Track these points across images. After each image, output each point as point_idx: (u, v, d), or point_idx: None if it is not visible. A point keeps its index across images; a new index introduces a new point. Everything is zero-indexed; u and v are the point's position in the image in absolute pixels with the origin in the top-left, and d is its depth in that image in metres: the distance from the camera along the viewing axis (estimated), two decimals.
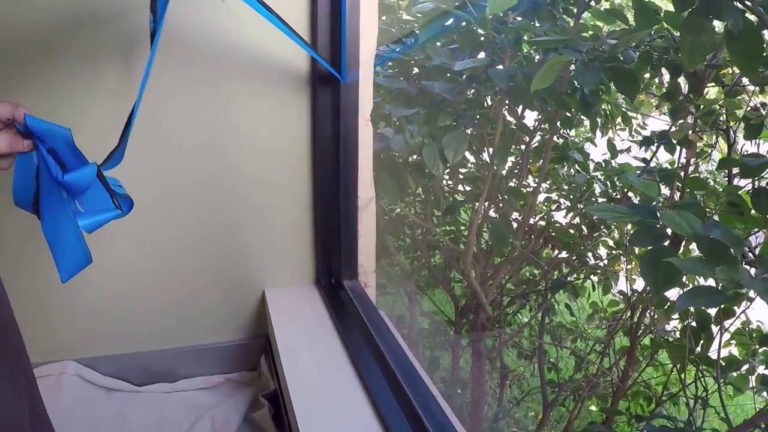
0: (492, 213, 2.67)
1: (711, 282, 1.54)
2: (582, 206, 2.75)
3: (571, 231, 2.86)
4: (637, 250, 2.66)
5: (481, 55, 2.02)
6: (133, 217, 1.44)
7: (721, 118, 2.27)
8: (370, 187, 1.54)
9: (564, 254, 2.95)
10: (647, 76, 2.40)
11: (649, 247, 1.42)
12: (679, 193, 2.37)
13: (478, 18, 1.76)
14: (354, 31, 1.37)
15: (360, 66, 1.42)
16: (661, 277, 1.33)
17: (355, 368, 1.27)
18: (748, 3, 1.59)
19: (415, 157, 1.99)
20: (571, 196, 2.88)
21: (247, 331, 1.65)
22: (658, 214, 1.40)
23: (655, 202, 1.79)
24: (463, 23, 1.91)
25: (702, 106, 2.09)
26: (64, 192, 0.97)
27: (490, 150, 2.22)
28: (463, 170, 2.74)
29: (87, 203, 1.01)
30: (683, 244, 2.28)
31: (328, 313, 1.50)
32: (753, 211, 1.87)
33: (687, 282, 2.30)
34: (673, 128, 2.18)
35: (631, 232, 1.70)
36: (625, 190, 2.52)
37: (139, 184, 1.42)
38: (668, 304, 2.46)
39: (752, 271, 1.36)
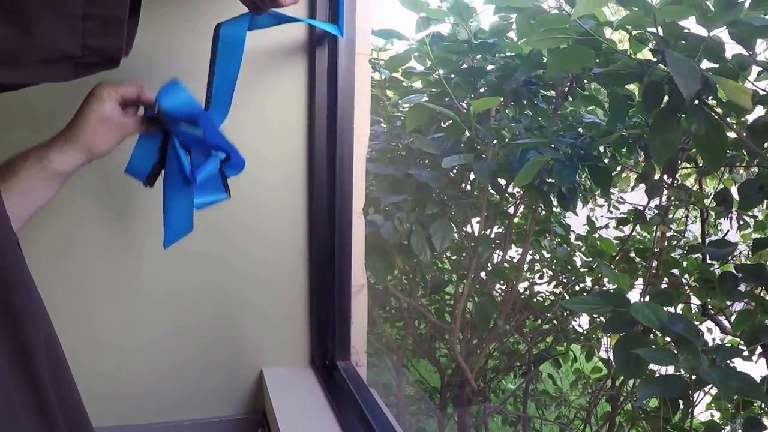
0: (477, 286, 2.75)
1: None
2: (562, 276, 2.85)
3: (552, 299, 2.96)
4: None
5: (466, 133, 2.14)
6: (138, 298, 1.56)
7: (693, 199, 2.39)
8: (362, 274, 1.65)
9: (547, 326, 3.03)
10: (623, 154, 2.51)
11: (622, 334, 1.52)
12: (655, 264, 2.47)
13: (464, 115, 1.89)
14: (348, 134, 1.50)
15: (354, 163, 1.54)
16: (632, 364, 1.44)
17: None
18: (712, 103, 1.72)
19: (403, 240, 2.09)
20: (553, 266, 2.98)
21: (244, 407, 1.73)
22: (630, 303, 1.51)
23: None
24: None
25: (673, 198, 2.21)
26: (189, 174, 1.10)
27: (473, 222, 2.32)
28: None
29: (203, 183, 1.13)
30: None
31: (323, 392, 1.58)
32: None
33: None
34: (648, 211, 2.31)
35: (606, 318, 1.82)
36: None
37: (144, 265, 1.54)
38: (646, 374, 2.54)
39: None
